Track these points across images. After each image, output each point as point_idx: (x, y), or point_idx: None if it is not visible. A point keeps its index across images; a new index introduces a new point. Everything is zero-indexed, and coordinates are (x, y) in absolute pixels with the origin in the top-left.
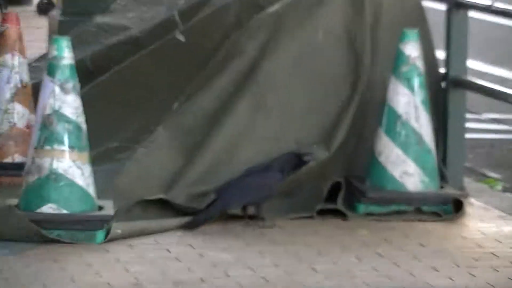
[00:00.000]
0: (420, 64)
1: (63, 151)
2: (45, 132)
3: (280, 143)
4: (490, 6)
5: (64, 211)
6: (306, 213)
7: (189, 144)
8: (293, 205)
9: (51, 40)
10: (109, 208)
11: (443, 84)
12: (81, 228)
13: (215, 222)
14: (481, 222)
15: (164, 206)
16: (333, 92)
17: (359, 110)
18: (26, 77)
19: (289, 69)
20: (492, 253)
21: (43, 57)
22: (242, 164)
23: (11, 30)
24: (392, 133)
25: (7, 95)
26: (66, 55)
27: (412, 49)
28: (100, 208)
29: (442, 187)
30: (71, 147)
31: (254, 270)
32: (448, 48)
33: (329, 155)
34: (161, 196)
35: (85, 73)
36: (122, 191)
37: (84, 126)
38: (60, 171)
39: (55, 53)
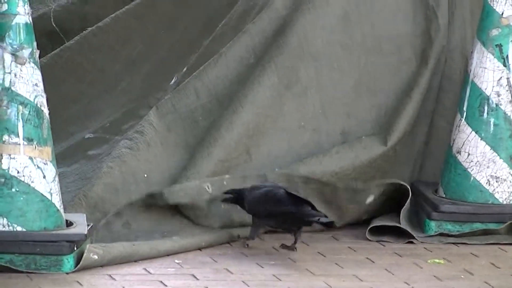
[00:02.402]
0: None
1: (16, 144)
2: None
3: (319, 134)
4: None
5: (18, 228)
6: None
7: (192, 135)
8: (333, 220)
9: None
10: (80, 224)
11: None
12: (42, 252)
13: (232, 241)
14: None
15: (158, 215)
16: (394, 64)
17: (429, 89)
18: None
19: (332, 31)
20: None
21: None
22: (265, 163)
23: None
24: (476, 122)
25: None
26: (20, 11)
27: (505, 4)
28: (69, 224)
29: None
30: (28, 139)
31: None
32: None
33: (385, 149)
34: (153, 192)
35: (48, 35)
36: (99, 201)
37: (46, 110)
38: (12, 172)
39: (4, 7)
